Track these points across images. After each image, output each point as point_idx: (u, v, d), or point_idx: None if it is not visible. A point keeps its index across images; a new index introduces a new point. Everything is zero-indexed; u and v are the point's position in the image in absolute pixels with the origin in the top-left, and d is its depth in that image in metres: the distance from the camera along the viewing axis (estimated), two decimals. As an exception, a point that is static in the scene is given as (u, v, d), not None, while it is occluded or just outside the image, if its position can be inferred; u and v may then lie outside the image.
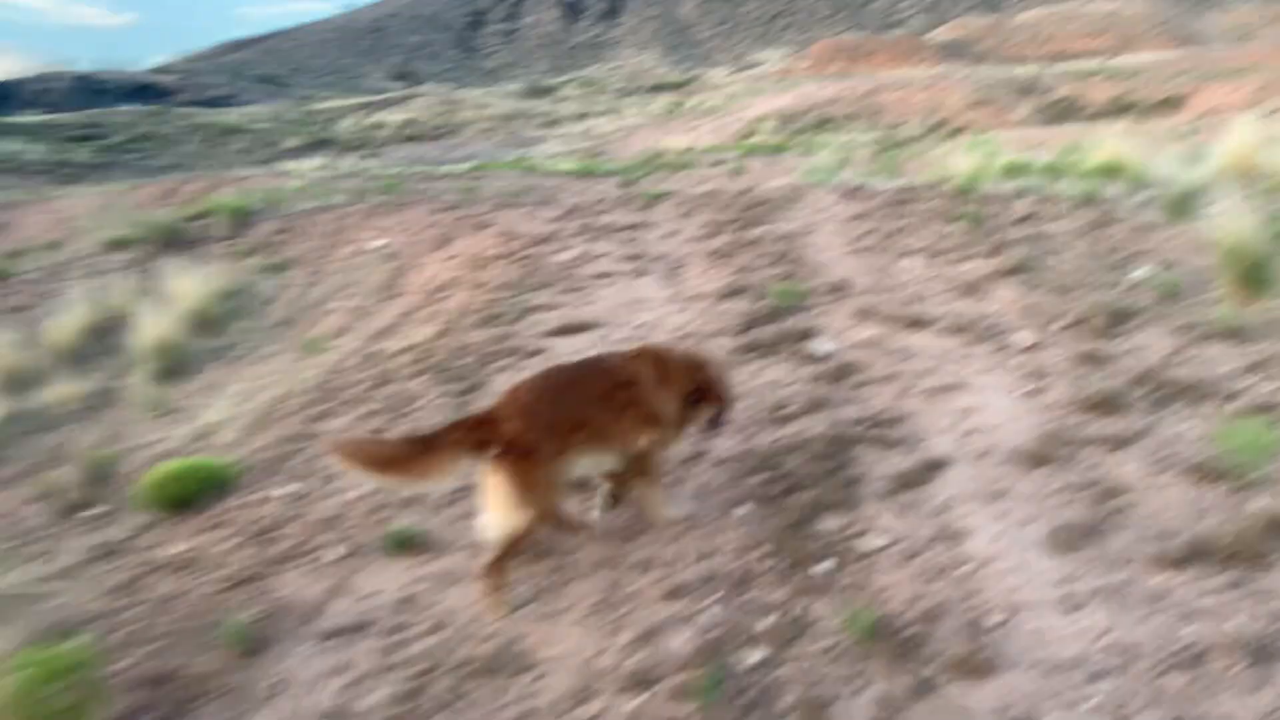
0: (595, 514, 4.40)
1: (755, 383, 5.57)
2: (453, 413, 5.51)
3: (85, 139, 58.94)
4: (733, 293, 7.35)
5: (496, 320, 7.14)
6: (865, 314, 6.62)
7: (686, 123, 47.36)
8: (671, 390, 4.22)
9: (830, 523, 4.08)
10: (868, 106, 45.08)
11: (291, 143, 58.91)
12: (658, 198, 11.94)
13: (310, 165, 45.45)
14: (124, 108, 71.04)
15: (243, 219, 13.92)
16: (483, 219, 11.40)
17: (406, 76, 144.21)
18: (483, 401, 5.65)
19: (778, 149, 31.00)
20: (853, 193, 11.58)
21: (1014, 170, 13.46)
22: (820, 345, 6.08)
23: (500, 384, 5.93)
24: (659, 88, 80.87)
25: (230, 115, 70.74)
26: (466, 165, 35.99)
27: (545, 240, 9.79)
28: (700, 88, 79.31)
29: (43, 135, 58.78)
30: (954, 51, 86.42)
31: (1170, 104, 39.98)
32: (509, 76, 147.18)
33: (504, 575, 3.83)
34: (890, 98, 45.05)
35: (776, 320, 6.64)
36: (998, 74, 47.76)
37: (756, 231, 9.42)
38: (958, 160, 14.54)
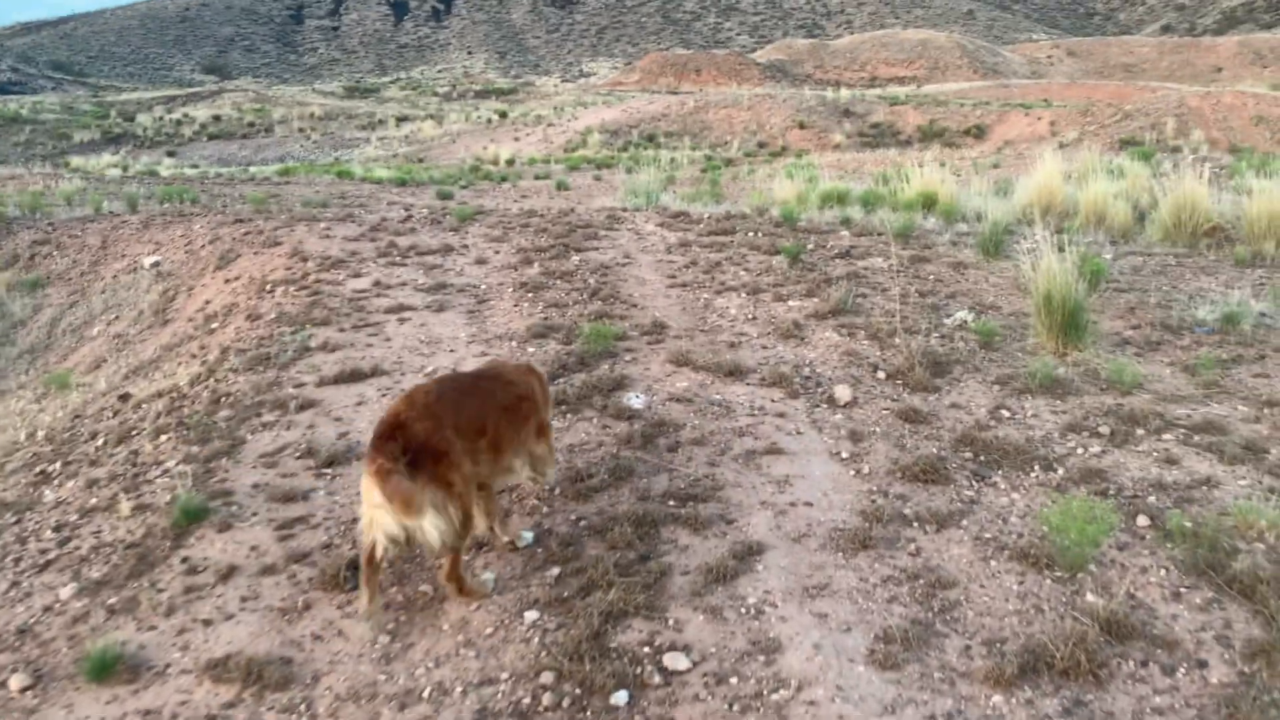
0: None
1: (559, 445, 4.95)
2: (189, 484, 4.64)
3: None
4: (542, 333, 6.70)
5: (267, 362, 6.23)
6: (682, 360, 6.12)
7: (513, 131, 46.62)
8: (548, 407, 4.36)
9: (632, 633, 3.49)
10: (694, 123, 45.60)
11: (83, 137, 54.44)
12: (471, 217, 11.19)
13: (101, 163, 42.17)
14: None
15: (-5, 227, 12.29)
16: (273, 235, 10.34)
17: (218, 70, 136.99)
18: (230, 472, 4.81)
19: (604, 163, 30.67)
20: (674, 219, 11.18)
21: (833, 198, 13.46)
22: (632, 399, 5.53)
23: (256, 446, 5.09)
24: (486, 93, 79.57)
25: (13, 104, 64.81)
26: (275, 168, 34.01)
27: (339, 264, 8.88)
28: (529, 96, 78.58)
29: None
30: (777, 72, 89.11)
31: (975, 132, 42.18)
32: (331, 75, 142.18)
33: (462, 572, 3.73)
34: (716, 116, 45.69)
35: (587, 367, 6.05)
36: (818, 97, 49.21)
37: (573, 260, 8.83)
38: (779, 186, 14.46)
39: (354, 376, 5.87)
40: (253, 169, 35.48)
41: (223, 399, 5.77)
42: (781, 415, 5.32)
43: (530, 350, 6.39)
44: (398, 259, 9.06)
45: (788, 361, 6.15)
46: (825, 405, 5.47)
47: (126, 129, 58.41)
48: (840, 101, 48.33)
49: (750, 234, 10.11)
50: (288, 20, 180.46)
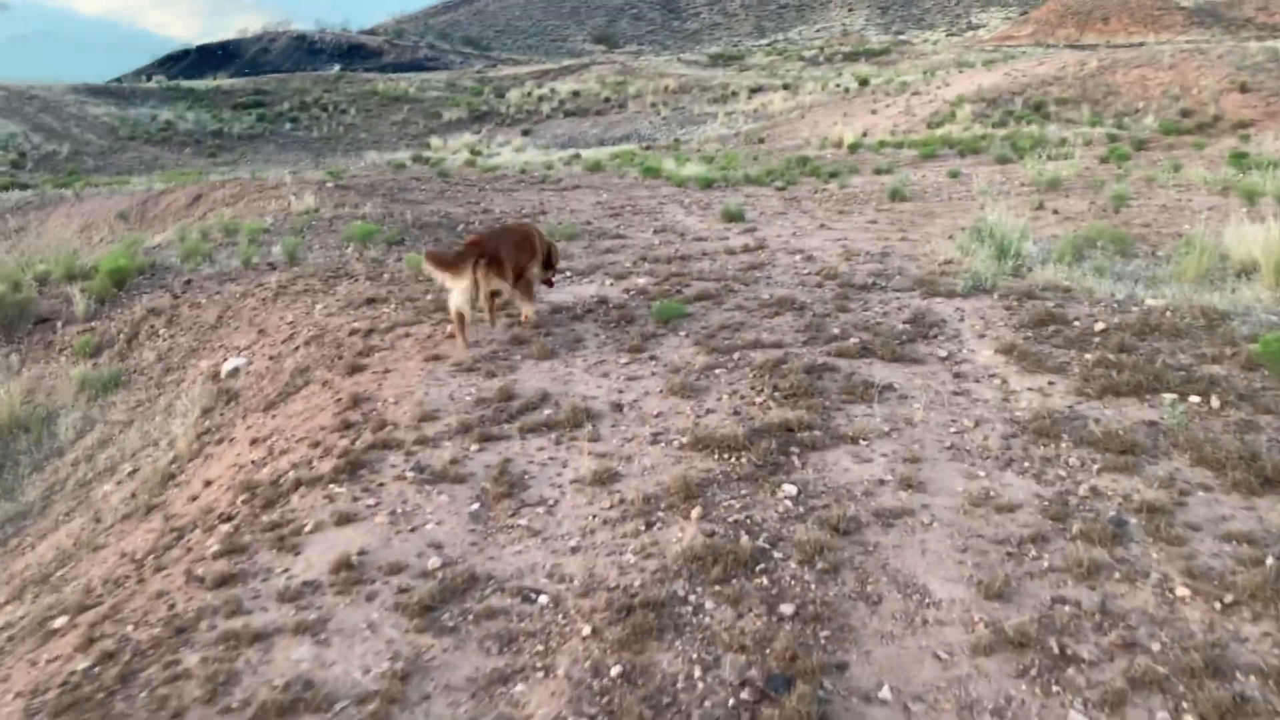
0: None
1: None
2: None
3: (254, 105, 58.08)
4: None
5: None
6: None
7: (870, 102, 41.01)
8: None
9: None
10: (1096, 87, 37.38)
11: (451, 115, 56.03)
12: (677, 317, 6.85)
13: (458, 143, 42.33)
14: (301, 74, 70.39)
15: (123, 285, 9.77)
16: (370, 345, 6.70)
17: (606, 40, 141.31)
18: None
19: (971, 147, 24.68)
20: (1037, 328, 6.16)
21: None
22: None
23: None
24: (855, 55, 73.52)
25: (403, 83, 68.83)
26: (607, 152, 31.49)
27: (364, 462, 4.92)
28: (902, 56, 71.66)
29: (212, 102, 58.29)
30: (1207, 17, 74.72)
31: None
32: (711, 39, 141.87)
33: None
34: (1125, 77, 37.14)
35: None
36: (1267, 50, 38.65)
37: (781, 496, 4.23)
38: (1234, 234, 8.65)
39: None
40: (588, 153, 33.31)
41: None
42: None
43: None
44: (473, 450, 4.93)
45: None
46: None
47: (492, 106, 59.57)
48: (1300, 54, 37.50)
49: (1194, 395, 4.92)
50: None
